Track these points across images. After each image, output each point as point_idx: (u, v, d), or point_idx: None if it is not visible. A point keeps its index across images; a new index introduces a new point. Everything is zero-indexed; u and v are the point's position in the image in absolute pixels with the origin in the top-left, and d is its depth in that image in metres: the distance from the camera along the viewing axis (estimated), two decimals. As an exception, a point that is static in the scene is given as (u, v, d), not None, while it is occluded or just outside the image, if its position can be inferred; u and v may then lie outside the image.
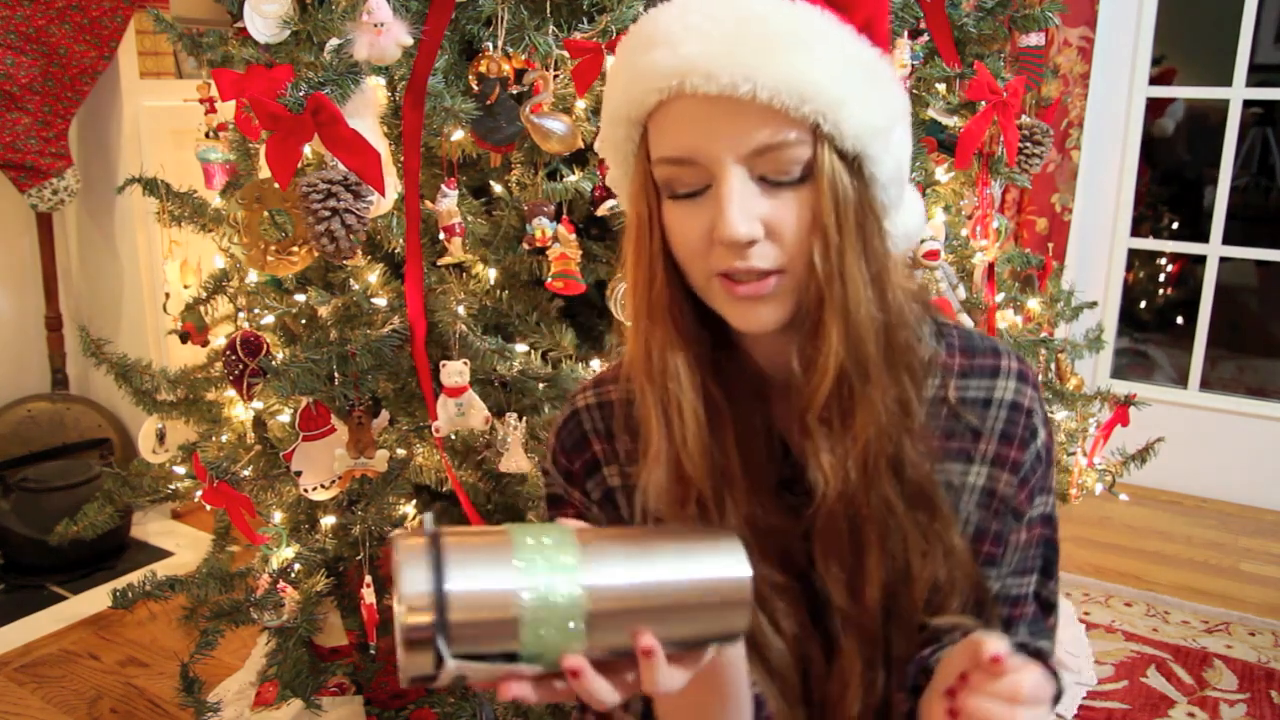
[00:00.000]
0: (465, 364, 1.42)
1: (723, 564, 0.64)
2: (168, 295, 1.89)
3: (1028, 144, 1.85)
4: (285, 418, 1.69)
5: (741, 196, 0.67)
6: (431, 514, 0.61)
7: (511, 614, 0.58)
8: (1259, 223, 3.94)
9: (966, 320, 1.80)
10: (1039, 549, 0.82)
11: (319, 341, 1.51)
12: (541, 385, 1.50)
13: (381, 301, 1.52)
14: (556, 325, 1.55)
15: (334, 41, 1.34)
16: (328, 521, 1.63)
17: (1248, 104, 3.10)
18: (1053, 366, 2.21)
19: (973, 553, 0.78)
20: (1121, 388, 2.50)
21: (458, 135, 1.47)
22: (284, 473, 1.60)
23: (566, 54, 1.40)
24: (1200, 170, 3.66)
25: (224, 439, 1.75)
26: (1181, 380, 3.31)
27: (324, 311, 1.60)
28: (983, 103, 1.71)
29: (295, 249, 1.42)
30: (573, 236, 1.48)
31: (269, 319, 1.73)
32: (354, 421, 1.46)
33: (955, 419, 0.79)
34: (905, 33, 1.69)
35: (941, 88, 1.83)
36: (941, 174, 1.89)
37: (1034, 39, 2.03)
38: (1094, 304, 2.49)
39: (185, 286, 1.87)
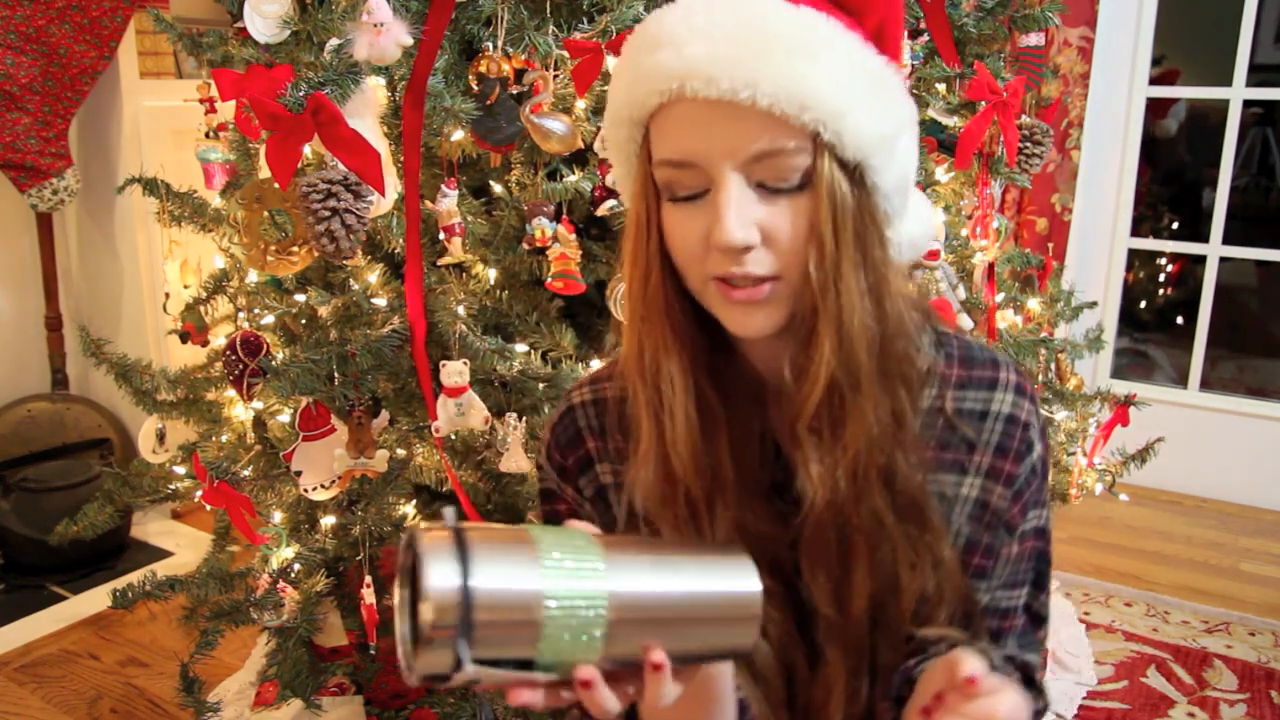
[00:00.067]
0: (465, 364, 1.42)
1: (736, 578, 0.64)
2: (168, 295, 1.89)
3: (1028, 144, 1.85)
4: (285, 418, 1.69)
5: (739, 202, 0.67)
6: (452, 509, 0.58)
7: (536, 617, 0.55)
8: (1259, 223, 3.94)
9: (966, 320, 1.80)
10: (1031, 562, 0.82)
11: (319, 341, 1.51)
12: (541, 385, 1.50)
13: (381, 301, 1.52)
14: (556, 325, 1.55)
15: (334, 41, 1.34)
16: (328, 521, 1.63)
17: (1248, 104, 3.10)
18: (1053, 366, 2.21)
19: (963, 564, 0.78)
20: (1121, 388, 2.50)
21: (458, 135, 1.47)
22: (284, 473, 1.60)
23: (566, 54, 1.40)
24: (1200, 170, 3.66)
25: (224, 439, 1.75)
26: (1181, 380, 3.31)
27: (324, 311, 1.60)
28: (983, 103, 1.71)
29: (295, 249, 1.42)
30: (573, 236, 1.48)
31: (269, 319, 1.73)
32: (354, 421, 1.46)
33: (951, 430, 0.78)
34: (905, 33, 1.69)
35: (941, 88, 1.84)
36: (941, 174, 1.89)
37: (1034, 39, 2.03)
38: (1094, 304, 2.49)
39: (185, 286, 1.87)
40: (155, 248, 2.88)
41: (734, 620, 0.64)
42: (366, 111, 1.31)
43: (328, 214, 1.23)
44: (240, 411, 1.74)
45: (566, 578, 0.57)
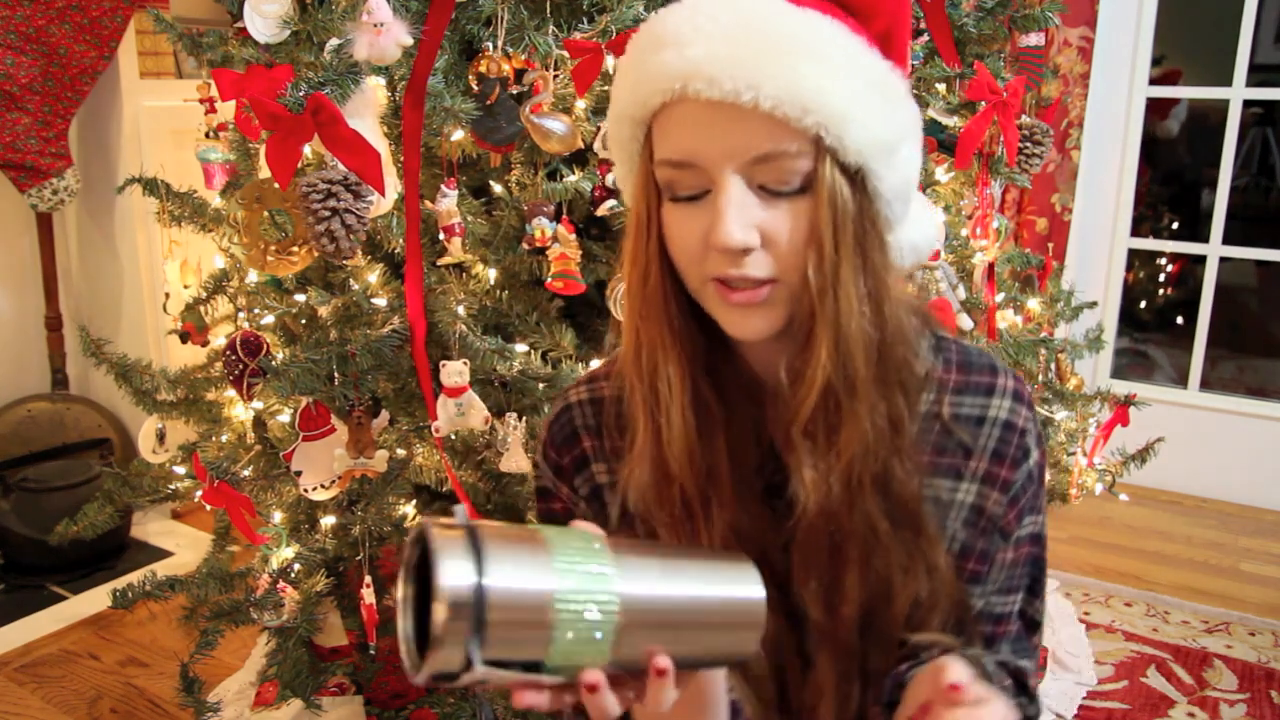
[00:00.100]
0: (465, 364, 1.42)
1: (741, 584, 0.64)
2: (168, 295, 1.89)
3: (1028, 144, 1.85)
4: (285, 418, 1.69)
5: (739, 204, 0.67)
6: (463, 507, 0.57)
7: (547, 618, 0.55)
8: (1259, 223, 3.94)
9: (966, 320, 1.80)
10: (1026, 568, 0.82)
11: (319, 341, 1.51)
12: (541, 385, 1.50)
13: (381, 301, 1.52)
14: (556, 325, 1.55)
15: (334, 41, 1.34)
16: (328, 521, 1.63)
17: (1248, 104, 3.10)
18: (1053, 366, 2.21)
19: (958, 570, 0.78)
20: (1121, 388, 2.50)
21: (458, 135, 1.47)
22: (284, 473, 1.60)
23: (566, 54, 1.40)
24: (1200, 170, 3.66)
25: (224, 439, 1.75)
26: (1181, 380, 3.31)
27: (324, 311, 1.60)
28: (983, 103, 1.71)
29: (295, 249, 1.42)
30: (572, 236, 1.48)
31: (269, 319, 1.73)
32: (354, 421, 1.46)
33: (947, 435, 0.78)
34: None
35: (941, 88, 1.84)
36: (941, 174, 1.89)
37: (1034, 39, 2.03)
38: (1094, 304, 2.49)
39: (185, 286, 1.87)
40: (155, 248, 2.88)
41: (738, 626, 0.63)
42: (366, 111, 1.31)
43: (328, 214, 1.23)
44: (240, 411, 1.74)
45: (579, 580, 0.56)
